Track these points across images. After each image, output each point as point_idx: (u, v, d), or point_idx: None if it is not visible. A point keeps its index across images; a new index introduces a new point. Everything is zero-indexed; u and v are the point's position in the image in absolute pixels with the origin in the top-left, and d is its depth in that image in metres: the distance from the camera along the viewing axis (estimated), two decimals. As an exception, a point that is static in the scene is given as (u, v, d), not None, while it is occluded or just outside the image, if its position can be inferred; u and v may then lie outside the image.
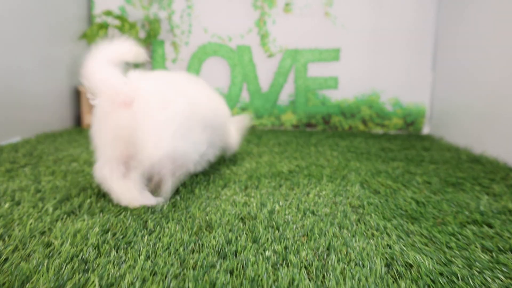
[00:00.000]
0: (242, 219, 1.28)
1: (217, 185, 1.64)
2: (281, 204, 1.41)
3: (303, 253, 1.02)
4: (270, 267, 0.94)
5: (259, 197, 1.48)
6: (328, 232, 1.17)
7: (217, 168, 1.91)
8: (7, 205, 1.32)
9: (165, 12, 3.38)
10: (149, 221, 1.21)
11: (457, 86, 2.88)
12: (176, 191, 1.52)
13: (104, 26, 2.90)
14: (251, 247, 1.04)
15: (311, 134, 3.07)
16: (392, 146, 2.60)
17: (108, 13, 2.94)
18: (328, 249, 1.06)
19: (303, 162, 2.06)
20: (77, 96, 3.05)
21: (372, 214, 1.31)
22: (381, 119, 3.34)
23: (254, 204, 1.40)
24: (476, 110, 2.57)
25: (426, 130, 3.31)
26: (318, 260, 0.99)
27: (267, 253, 1.03)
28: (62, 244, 1.03)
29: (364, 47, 3.26)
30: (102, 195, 1.44)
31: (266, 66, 3.39)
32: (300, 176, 1.79)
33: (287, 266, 0.96)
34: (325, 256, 1.01)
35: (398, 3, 3.18)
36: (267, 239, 1.11)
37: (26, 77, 2.51)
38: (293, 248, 1.06)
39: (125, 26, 2.92)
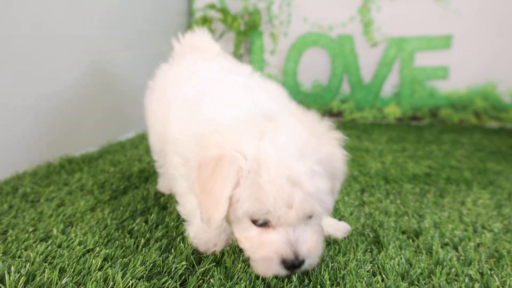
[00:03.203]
0: (404, 232, 1.18)
1: (355, 189, 1.54)
2: (439, 215, 1.29)
3: (508, 281, 0.90)
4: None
5: (412, 206, 1.36)
6: (518, 253, 1.03)
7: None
8: (156, 210, 1.30)
9: (264, 2, 3.30)
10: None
11: None
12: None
13: (208, 20, 2.87)
14: (440, 272, 0.94)
15: (420, 129, 2.88)
16: (522, 143, 2.36)
17: (211, 6, 2.91)
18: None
19: (434, 163, 1.91)
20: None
21: (557, 232, 1.15)
22: (497, 111, 3.06)
23: (410, 214, 1.29)
24: None
25: (549, 123, 3.00)
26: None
27: (461, 278, 0.91)
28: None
29: (480, 33, 2.99)
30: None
31: (369, 56, 3.21)
32: (440, 181, 1.64)
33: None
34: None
35: (522, -16, 2.87)
36: (450, 260, 1.00)
37: (138, 73, 2.54)
38: (489, 273, 0.94)
39: (228, 19, 2.87)
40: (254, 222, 0.86)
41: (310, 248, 0.85)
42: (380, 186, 1.58)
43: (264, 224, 0.85)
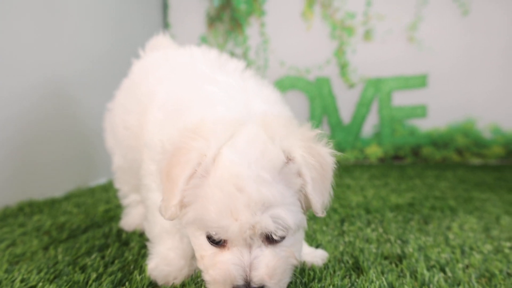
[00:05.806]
0: (386, 258, 1.07)
1: (334, 219, 1.44)
2: (424, 240, 1.19)
3: (502, 301, 0.80)
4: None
5: (394, 232, 1.26)
6: (510, 272, 0.94)
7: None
8: (116, 246, 1.18)
9: (240, 49, 3.32)
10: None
11: None
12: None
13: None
14: (426, 292, 0.83)
15: (403, 168, 2.82)
16: (506, 176, 2.30)
17: (187, 51, 2.90)
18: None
19: (417, 194, 1.83)
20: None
21: (551, 250, 1.06)
22: (478, 148, 3.03)
23: (392, 240, 1.19)
24: None
25: (531, 158, 2.96)
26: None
27: (450, 300, 0.81)
28: None
29: (456, 70, 3.02)
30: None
31: (347, 97, 3.21)
32: (424, 209, 1.56)
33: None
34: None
35: (492, 21, 2.93)
36: (437, 282, 0.89)
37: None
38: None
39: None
40: (209, 238, 0.75)
41: (266, 275, 0.73)
42: (361, 215, 1.48)
43: (221, 243, 0.75)
